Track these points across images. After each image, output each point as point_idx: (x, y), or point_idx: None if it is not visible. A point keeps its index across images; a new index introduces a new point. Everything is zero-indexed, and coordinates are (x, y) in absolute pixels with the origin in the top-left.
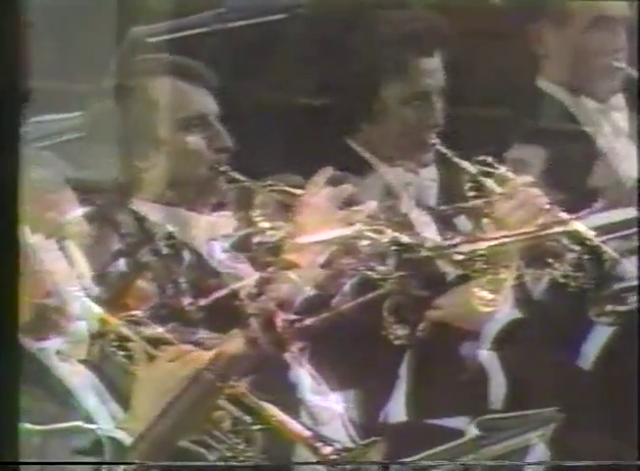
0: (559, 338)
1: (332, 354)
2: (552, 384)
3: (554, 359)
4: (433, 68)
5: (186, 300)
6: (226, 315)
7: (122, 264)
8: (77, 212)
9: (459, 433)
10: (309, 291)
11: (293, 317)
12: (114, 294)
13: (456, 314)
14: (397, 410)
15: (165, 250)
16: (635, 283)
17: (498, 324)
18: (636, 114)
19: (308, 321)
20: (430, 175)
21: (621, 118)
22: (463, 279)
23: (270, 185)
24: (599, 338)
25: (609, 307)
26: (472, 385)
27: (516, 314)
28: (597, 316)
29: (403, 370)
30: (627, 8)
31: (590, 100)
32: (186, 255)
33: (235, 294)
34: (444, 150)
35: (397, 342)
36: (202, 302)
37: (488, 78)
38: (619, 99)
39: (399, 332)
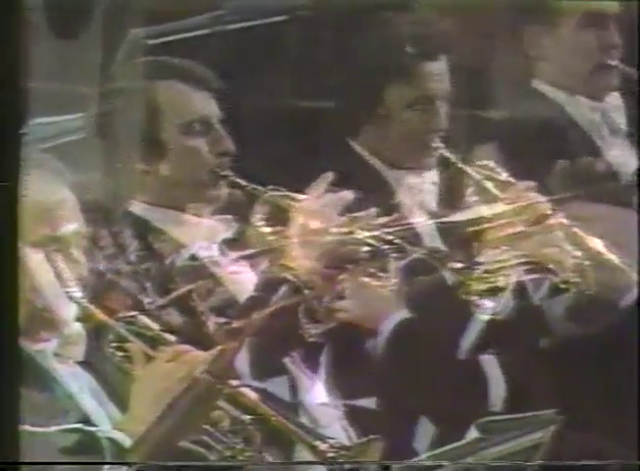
0: (443, 333)
1: (264, 348)
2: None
3: (437, 352)
4: (438, 72)
5: (148, 299)
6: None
7: (116, 266)
8: (75, 214)
9: (368, 410)
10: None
11: (223, 320)
12: (108, 294)
13: (359, 315)
14: (319, 392)
15: (160, 253)
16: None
17: (391, 323)
18: (635, 112)
19: (236, 323)
20: (432, 178)
21: (618, 116)
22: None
23: (271, 190)
24: (473, 330)
25: (474, 287)
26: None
27: (407, 314)
28: (465, 295)
29: (323, 359)
30: (618, 4)
31: (586, 99)
32: (185, 258)
33: (190, 294)
34: (447, 155)
35: (310, 340)
36: (160, 302)
37: (486, 81)
38: (616, 98)
39: (312, 331)
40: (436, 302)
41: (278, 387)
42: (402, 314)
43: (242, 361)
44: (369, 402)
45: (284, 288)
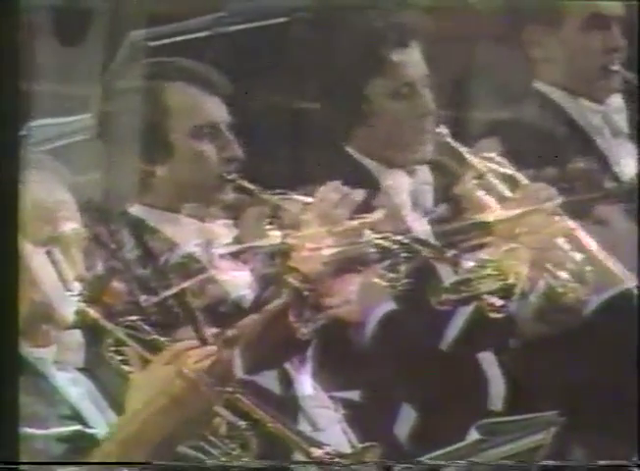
0: (427, 324)
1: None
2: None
3: (422, 342)
4: (410, 58)
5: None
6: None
7: (115, 265)
8: (73, 218)
9: (352, 402)
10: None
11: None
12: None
13: (345, 310)
14: (306, 385)
15: (158, 254)
16: (466, 276)
17: (377, 315)
18: (635, 114)
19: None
20: (425, 178)
21: (620, 118)
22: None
23: (279, 194)
24: (457, 324)
25: (444, 296)
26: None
27: (392, 306)
28: (437, 304)
29: (310, 353)
30: (621, 7)
31: (588, 101)
32: (185, 261)
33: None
34: (452, 143)
35: (301, 337)
36: (154, 299)
37: (487, 81)
38: (618, 99)
39: (302, 329)
40: (422, 294)
41: (268, 380)
42: (388, 306)
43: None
44: (355, 394)
45: (284, 292)
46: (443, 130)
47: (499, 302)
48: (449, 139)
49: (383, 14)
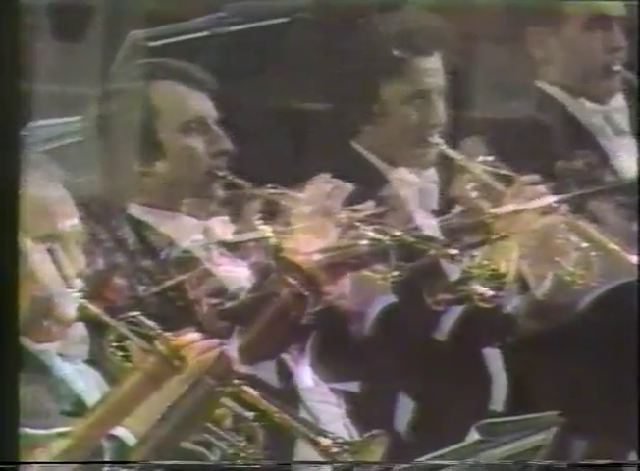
0: (425, 316)
1: (252, 333)
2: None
3: (419, 334)
4: (432, 67)
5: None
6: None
7: (114, 261)
8: (73, 216)
9: (351, 394)
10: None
11: (215, 301)
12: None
13: (344, 298)
14: (305, 378)
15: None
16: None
17: (377, 306)
18: (636, 114)
19: (228, 304)
20: (431, 177)
21: (622, 118)
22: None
23: (270, 189)
24: (452, 316)
25: (440, 296)
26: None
27: (392, 299)
28: (432, 303)
29: (309, 346)
30: (624, 7)
31: (589, 101)
32: (185, 259)
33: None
34: (447, 151)
35: (298, 324)
36: (154, 289)
37: (488, 81)
38: (619, 99)
39: (301, 316)
40: (421, 288)
41: (267, 372)
42: (388, 299)
43: (232, 347)
44: (352, 386)
45: (282, 287)
46: (439, 140)
47: (489, 293)
48: (444, 148)
49: (399, 18)
